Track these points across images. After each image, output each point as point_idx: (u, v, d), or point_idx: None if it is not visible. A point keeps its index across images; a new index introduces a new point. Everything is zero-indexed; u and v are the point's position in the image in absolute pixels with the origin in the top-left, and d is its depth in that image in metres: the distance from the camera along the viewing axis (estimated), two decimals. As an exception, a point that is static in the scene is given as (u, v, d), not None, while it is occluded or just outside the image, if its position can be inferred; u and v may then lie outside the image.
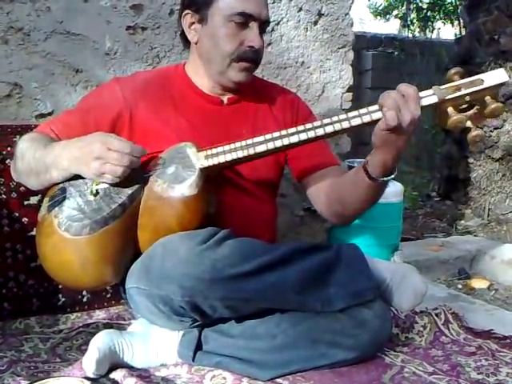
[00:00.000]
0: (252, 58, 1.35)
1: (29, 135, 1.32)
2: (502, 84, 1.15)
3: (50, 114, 1.70)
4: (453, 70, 1.17)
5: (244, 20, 1.32)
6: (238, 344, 1.23)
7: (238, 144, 1.22)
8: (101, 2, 1.74)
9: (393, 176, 1.23)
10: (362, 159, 2.16)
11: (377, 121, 1.16)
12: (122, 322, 1.52)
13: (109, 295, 1.64)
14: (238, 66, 1.35)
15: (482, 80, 1.14)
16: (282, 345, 1.23)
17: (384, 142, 1.16)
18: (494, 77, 1.14)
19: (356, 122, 1.17)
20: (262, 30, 1.37)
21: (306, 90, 2.15)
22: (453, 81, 1.16)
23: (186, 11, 1.37)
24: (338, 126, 1.18)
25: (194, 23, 1.37)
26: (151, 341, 1.27)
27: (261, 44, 1.35)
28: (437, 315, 1.56)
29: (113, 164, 1.15)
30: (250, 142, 1.22)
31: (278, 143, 1.21)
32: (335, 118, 1.19)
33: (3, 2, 1.62)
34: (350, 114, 1.18)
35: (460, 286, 2.30)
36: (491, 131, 3.38)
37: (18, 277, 1.54)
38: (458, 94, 1.14)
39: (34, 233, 1.31)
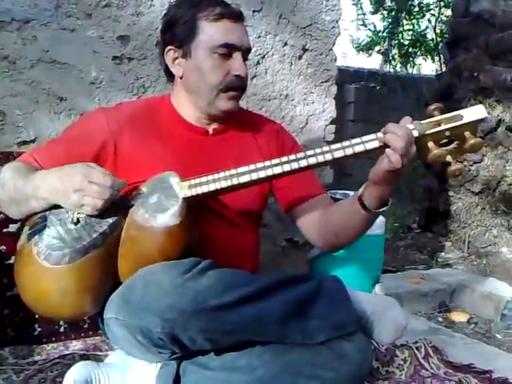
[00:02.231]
0: (239, 85, 1.38)
1: (10, 164, 1.31)
2: (482, 120, 1.17)
3: (32, 141, 1.70)
4: (433, 106, 1.20)
5: (227, 51, 1.34)
6: (217, 377, 1.21)
7: (221, 174, 1.22)
8: (87, 32, 1.76)
9: (388, 206, 1.28)
10: (344, 190, 2.21)
11: (360, 153, 1.18)
12: (99, 353, 1.49)
13: (86, 325, 1.61)
14: (227, 96, 1.36)
15: (462, 116, 1.16)
16: (262, 377, 1.20)
17: (384, 179, 1.21)
18: (473, 113, 1.16)
19: (339, 154, 1.19)
20: (245, 58, 1.40)
21: (290, 121, 2.18)
22: (433, 116, 1.18)
23: (169, 47, 1.39)
24: (321, 158, 1.20)
25: (177, 58, 1.39)
26: (129, 373, 1.25)
27: (246, 72, 1.38)
28: (417, 349, 1.56)
29: (93, 197, 1.15)
30: (233, 172, 1.22)
31: (262, 174, 1.21)
32: (318, 150, 1.20)
33: (-11, 31, 1.63)
34: (333, 147, 1.20)
35: (440, 319, 2.31)
36: (471, 165, 3.45)
37: (-6, 306, 1.51)
38: (437, 129, 1.17)
39: (11, 261, 1.29)
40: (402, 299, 2.31)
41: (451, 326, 2.23)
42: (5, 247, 1.51)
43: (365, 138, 1.19)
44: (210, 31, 1.34)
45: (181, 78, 1.40)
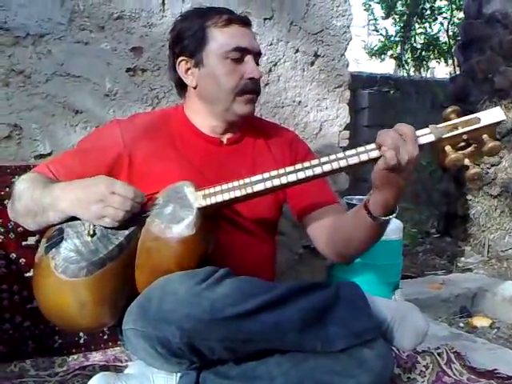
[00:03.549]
0: (254, 88, 1.38)
1: (27, 175, 1.32)
2: (499, 122, 1.15)
3: (49, 154, 1.72)
4: (449, 109, 1.17)
5: (239, 55, 1.35)
6: (236, 386, 1.21)
7: (235, 183, 1.22)
8: (101, 44, 1.77)
9: (394, 215, 1.23)
10: (360, 196, 2.20)
11: (374, 159, 1.16)
12: (119, 364, 1.49)
13: (106, 337, 1.62)
14: (243, 100, 1.37)
15: (479, 118, 1.14)
16: (281, 387, 1.20)
17: (384, 182, 1.16)
18: (490, 115, 1.14)
19: (354, 160, 1.17)
20: (256, 62, 1.40)
21: (304, 128, 2.18)
22: (449, 119, 1.16)
23: (180, 58, 1.39)
24: (335, 165, 1.18)
25: (189, 68, 1.39)
26: (148, 383, 1.25)
27: (260, 74, 1.39)
28: (439, 355, 1.54)
29: (115, 208, 1.15)
30: (247, 180, 1.22)
31: (276, 182, 1.21)
32: (333, 157, 1.19)
33: (4, 46, 1.66)
34: (348, 153, 1.18)
35: (462, 325, 2.28)
36: (488, 168, 3.41)
37: (14, 318, 1.52)
38: (454, 132, 1.14)
39: (31, 274, 1.30)
40: (423, 305, 2.26)
41: (473, 331, 2.20)
42: (24, 260, 1.53)
43: None
44: (221, 37, 1.35)
45: (195, 87, 1.41)
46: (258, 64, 1.41)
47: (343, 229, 1.34)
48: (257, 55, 1.41)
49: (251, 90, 1.38)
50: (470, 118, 1.15)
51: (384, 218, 1.22)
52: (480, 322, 2.27)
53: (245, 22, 1.40)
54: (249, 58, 1.37)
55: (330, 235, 1.38)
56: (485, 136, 1.14)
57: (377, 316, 1.31)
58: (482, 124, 1.14)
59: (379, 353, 1.22)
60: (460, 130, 1.14)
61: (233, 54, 1.35)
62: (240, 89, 1.36)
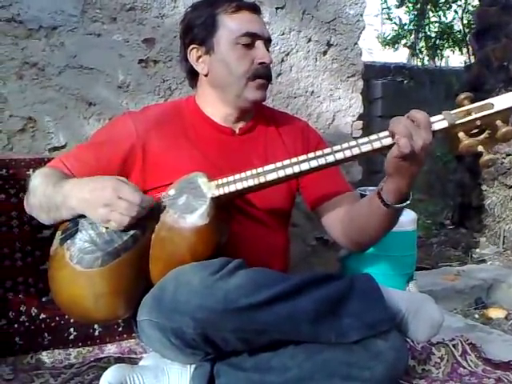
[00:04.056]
0: (265, 73, 1.38)
1: (41, 171, 1.32)
2: None
3: (63, 146, 1.73)
4: (462, 95, 1.17)
5: (250, 40, 1.36)
6: (251, 378, 1.20)
7: (248, 173, 1.22)
8: (113, 36, 1.77)
9: (408, 202, 1.23)
10: (374, 187, 2.18)
11: (387, 147, 1.16)
12: (134, 356, 1.50)
13: (120, 329, 1.62)
14: (255, 85, 1.37)
15: (492, 104, 1.13)
16: (296, 378, 1.19)
17: (397, 169, 1.16)
18: (504, 100, 1.14)
19: (366, 148, 1.17)
20: (267, 49, 1.40)
21: (317, 118, 2.17)
22: (463, 105, 1.15)
23: (191, 47, 1.40)
24: (348, 153, 1.18)
25: (200, 56, 1.40)
26: (163, 375, 1.25)
27: (271, 59, 1.39)
28: (454, 346, 1.52)
29: (121, 213, 1.15)
30: (260, 170, 1.22)
31: (289, 171, 1.20)
32: (345, 145, 1.19)
33: (18, 39, 1.66)
34: (360, 141, 1.18)
35: (477, 316, 2.26)
36: (504, 158, 3.37)
37: (30, 311, 1.53)
38: (468, 118, 1.14)
39: (46, 266, 1.30)
40: (437, 296, 2.25)
41: (488, 322, 2.18)
42: (39, 252, 1.53)
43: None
44: (231, 23, 1.36)
45: (206, 75, 1.41)
46: (268, 50, 1.41)
47: (357, 217, 1.34)
48: (267, 41, 1.41)
49: (262, 74, 1.38)
50: (483, 104, 1.14)
51: (397, 206, 1.22)
52: (495, 313, 2.25)
53: (254, 9, 1.41)
54: (259, 44, 1.37)
55: (345, 224, 1.38)
56: (498, 121, 1.13)
57: (391, 307, 1.30)
58: (495, 109, 1.13)
59: (393, 344, 1.22)
60: (473, 116, 1.13)
61: (243, 40, 1.35)
62: (251, 73, 1.36)
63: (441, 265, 2.97)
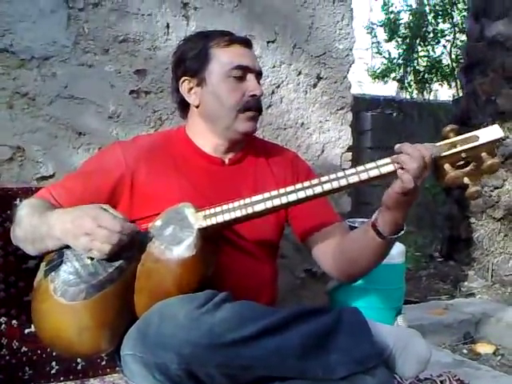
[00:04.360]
0: (255, 105, 1.40)
1: (28, 201, 1.32)
2: (498, 140, 1.16)
3: (51, 176, 1.72)
4: (448, 128, 1.18)
5: (241, 73, 1.38)
6: (236, 414, 1.18)
7: (236, 203, 1.22)
8: (105, 67, 1.79)
9: (402, 232, 1.25)
10: (363, 219, 2.18)
11: (375, 178, 1.18)
12: (117, 391, 1.47)
13: (104, 362, 1.58)
14: (245, 117, 1.38)
15: (478, 136, 1.15)
16: (282, 415, 1.17)
17: (397, 203, 1.18)
18: (489, 133, 1.15)
19: (354, 179, 1.18)
20: (258, 82, 1.42)
21: (306, 150, 2.18)
22: (448, 138, 1.17)
23: (183, 78, 1.41)
24: (335, 184, 1.19)
25: (192, 88, 1.41)
26: (146, 411, 1.22)
27: (261, 92, 1.40)
28: (441, 382, 1.50)
29: (101, 242, 1.14)
30: (248, 201, 1.22)
31: (277, 202, 1.21)
32: (333, 176, 1.20)
33: (10, 68, 1.67)
34: (348, 172, 1.19)
35: (465, 351, 2.25)
36: (492, 191, 3.40)
37: (12, 344, 1.49)
38: (453, 150, 1.15)
39: (29, 298, 1.28)
40: (426, 331, 2.25)
41: (477, 358, 2.17)
42: (23, 283, 1.50)
43: (380, 162, 1.18)
44: (223, 56, 1.38)
45: (197, 106, 1.42)
46: (259, 83, 1.42)
47: (349, 249, 1.35)
48: (258, 75, 1.43)
49: (253, 106, 1.39)
50: (468, 136, 1.16)
51: (393, 237, 1.24)
52: (484, 348, 2.24)
53: (246, 43, 1.43)
54: (250, 77, 1.39)
55: (336, 255, 1.38)
56: (484, 154, 1.15)
57: (379, 343, 1.29)
58: (480, 142, 1.15)
59: (381, 380, 1.20)
60: (459, 148, 1.15)
61: (235, 72, 1.37)
62: (242, 106, 1.37)
63: (429, 298, 2.96)
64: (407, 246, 2.31)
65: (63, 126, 1.74)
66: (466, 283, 3.29)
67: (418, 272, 3.50)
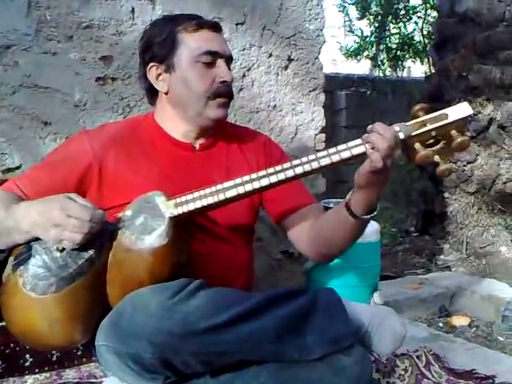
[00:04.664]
0: (226, 92, 1.37)
1: None
2: (467, 118, 1.16)
3: (17, 167, 1.69)
4: (417, 106, 1.18)
5: (211, 59, 1.35)
6: (214, 400, 1.19)
7: (207, 190, 1.21)
8: (69, 54, 1.75)
9: (376, 213, 1.25)
10: (338, 199, 2.19)
11: (347, 159, 1.17)
12: (94, 381, 1.47)
13: (79, 353, 1.58)
14: (215, 104, 1.36)
15: (447, 114, 1.15)
16: (260, 398, 1.18)
17: (368, 183, 1.18)
18: (458, 111, 1.15)
19: (325, 161, 1.18)
20: (228, 67, 1.39)
21: (279, 132, 2.17)
22: (418, 117, 1.17)
23: (151, 64, 1.38)
24: (307, 167, 1.19)
25: (160, 74, 1.38)
26: (124, 400, 1.22)
27: (232, 78, 1.38)
28: (418, 357, 1.54)
29: (72, 231, 1.12)
30: (220, 187, 1.21)
31: (249, 187, 1.20)
32: (305, 159, 1.19)
33: (-30, 59, 1.62)
34: (319, 154, 1.19)
35: (441, 325, 2.29)
36: (465, 166, 3.44)
37: (-17, 338, 1.48)
38: (423, 129, 1.15)
39: (-1, 292, 1.26)
40: (402, 306, 2.28)
41: (452, 330, 2.21)
42: (-8, 277, 1.48)
43: (351, 144, 1.18)
44: (191, 41, 1.35)
45: (166, 93, 1.39)
46: (229, 68, 1.40)
47: (324, 229, 1.35)
48: (228, 59, 1.40)
49: (223, 93, 1.37)
50: (437, 115, 1.16)
51: (366, 217, 1.24)
52: (459, 321, 2.28)
53: (215, 27, 1.40)
54: (220, 62, 1.36)
55: (311, 236, 1.39)
56: (453, 132, 1.15)
57: (354, 322, 1.30)
58: (449, 120, 1.15)
59: (357, 359, 1.22)
60: (428, 127, 1.15)
61: (204, 58, 1.34)
62: (212, 92, 1.35)
63: (406, 272, 3.00)
64: (383, 222, 2.33)
65: (28, 116, 1.70)
66: (441, 257, 3.35)
67: (394, 247, 3.54)
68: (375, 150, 1.13)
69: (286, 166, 1.20)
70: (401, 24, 6.63)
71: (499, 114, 3.34)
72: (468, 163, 3.44)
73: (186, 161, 1.41)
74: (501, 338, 2.18)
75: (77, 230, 1.12)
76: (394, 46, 6.68)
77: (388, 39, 6.70)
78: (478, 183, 3.40)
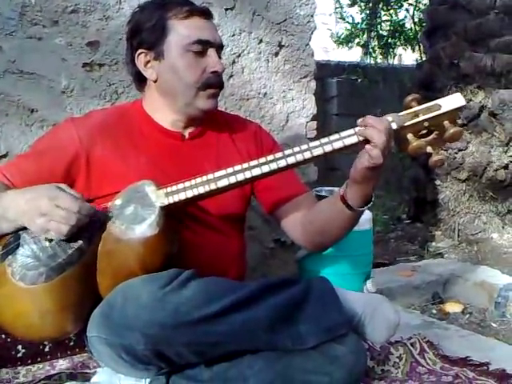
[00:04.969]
0: (216, 82, 1.34)
1: None
2: (460, 108, 1.16)
3: (3, 156, 1.64)
4: (410, 97, 1.18)
5: (201, 48, 1.32)
6: (208, 390, 1.18)
7: (198, 180, 1.19)
8: (55, 39, 1.70)
9: (371, 203, 1.25)
10: (329, 187, 2.18)
11: (339, 149, 1.16)
12: (87, 371, 1.45)
13: (72, 343, 1.56)
14: (206, 94, 1.33)
15: (440, 105, 1.14)
16: (254, 388, 1.17)
17: (365, 177, 1.18)
18: (451, 101, 1.15)
19: (318, 151, 1.17)
20: (219, 55, 1.36)
21: (270, 120, 2.14)
22: (410, 107, 1.16)
23: (139, 51, 1.34)
24: (299, 157, 1.18)
25: (149, 61, 1.34)
26: (116, 391, 1.21)
27: (223, 68, 1.35)
28: (412, 345, 1.53)
29: (59, 222, 1.10)
30: (211, 176, 1.19)
31: (240, 177, 1.19)
32: (297, 149, 1.18)
33: (-48, 44, 1.58)
34: (312, 144, 1.18)
35: (434, 312, 2.29)
36: (456, 153, 3.43)
37: (-27, 330, 1.46)
38: (416, 120, 1.15)
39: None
40: (395, 293, 2.28)
41: (445, 317, 2.21)
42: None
43: (343, 134, 1.17)
44: (182, 29, 1.31)
45: (155, 81, 1.36)
46: (220, 57, 1.37)
47: (318, 219, 1.34)
48: (219, 48, 1.37)
49: (214, 83, 1.34)
50: (430, 105, 1.15)
51: (363, 208, 1.25)
52: (452, 307, 2.29)
53: (206, 14, 1.36)
54: (211, 52, 1.33)
55: (305, 226, 1.38)
56: (446, 122, 1.14)
57: (347, 310, 1.30)
58: (442, 110, 1.14)
59: (351, 348, 1.21)
60: (421, 118, 1.14)
61: (195, 47, 1.31)
62: (202, 83, 1.32)
63: (398, 259, 3.00)
64: (375, 210, 2.32)
65: (14, 102, 1.66)
66: (433, 244, 3.35)
67: (386, 234, 3.53)
68: (373, 146, 1.12)
69: (277, 155, 1.19)
70: (392, 11, 6.60)
71: (490, 101, 3.33)
72: (459, 150, 3.44)
73: (175, 150, 1.38)
74: (494, 325, 2.18)
75: (64, 221, 1.10)
76: (385, 34, 6.65)
77: (379, 26, 6.67)
78: (470, 170, 3.40)
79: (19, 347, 1.51)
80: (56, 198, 1.10)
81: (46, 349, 1.54)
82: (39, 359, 1.53)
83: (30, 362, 1.52)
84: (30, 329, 1.17)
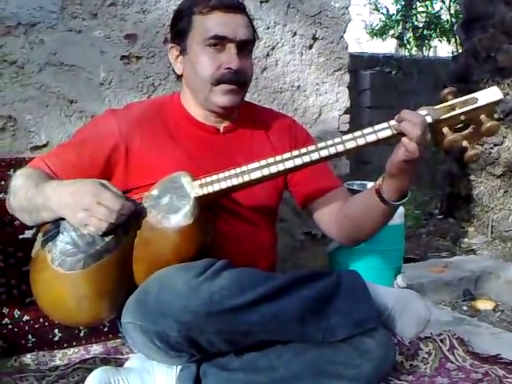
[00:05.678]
0: (231, 79, 1.31)
1: (22, 171, 1.30)
2: (497, 102, 1.14)
3: (44, 145, 1.70)
4: (446, 90, 1.16)
5: (219, 43, 1.30)
6: (237, 378, 1.20)
7: (232, 171, 1.21)
8: (94, 32, 1.74)
9: (407, 198, 1.24)
10: (361, 181, 2.17)
11: (372, 143, 1.16)
12: (120, 357, 1.49)
13: (106, 329, 1.61)
14: (220, 90, 1.32)
15: (476, 99, 1.13)
16: (283, 378, 1.19)
17: (401, 171, 1.17)
18: (488, 95, 1.13)
19: (351, 144, 1.17)
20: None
21: (303, 113, 2.15)
22: (446, 100, 1.15)
23: (171, 45, 1.38)
24: (332, 150, 1.18)
25: (178, 56, 1.37)
26: (149, 376, 1.24)
27: (239, 65, 1.31)
28: (442, 341, 1.52)
29: (99, 219, 1.13)
30: (244, 168, 1.20)
31: (274, 169, 1.20)
32: (330, 142, 1.18)
33: (-4, 36, 1.63)
34: (345, 137, 1.18)
35: (465, 308, 2.27)
36: (491, 148, 3.37)
37: (13, 313, 1.51)
38: (452, 113, 1.13)
39: (28, 268, 1.28)
40: (425, 289, 2.27)
41: (476, 314, 2.18)
42: (21, 254, 1.51)
43: (377, 127, 1.16)
44: (201, 24, 1.31)
45: (182, 75, 1.39)
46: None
47: (353, 214, 1.34)
48: (243, 43, 1.33)
49: (227, 80, 1.31)
50: (467, 99, 1.14)
51: (398, 203, 1.23)
52: (483, 304, 2.26)
53: (232, 8, 1.32)
54: (230, 47, 1.31)
55: (340, 220, 1.37)
56: (483, 116, 1.13)
57: (378, 305, 1.30)
58: (479, 104, 1.13)
59: (380, 342, 1.22)
60: (457, 111, 1.13)
61: (211, 42, 1.30)
62: (215, 79, 1.31)
63: (430, 255, 2.97)
64: (407, 204, 2.30)
65: (54, 94, 1.71)
66: (465, 240, 3.30)
67: (417, 229, 3.50)
68: (410, 140, 1.11)
69: (311, 148, 1.19)
70: (427, 2, 6.48)
71: (528, 95, 3.26)
72: (495, 145, 3.38)
73: (210, 143, 1.40)
74: (526, 323, 2.15)
75: (104, 218, 1.13)
76: (421, 25, 6.53)
77: (414, 18, 6.56)
78: (505, 166, 3.34)
79: (56, 331, 1.56)
80: (99, 196, 1.13)
81: (81, 334, 1.59)
82: (74, 343, 1.58)
83: (65, 345, 1.56)
84: (67, 313, 1.20)
